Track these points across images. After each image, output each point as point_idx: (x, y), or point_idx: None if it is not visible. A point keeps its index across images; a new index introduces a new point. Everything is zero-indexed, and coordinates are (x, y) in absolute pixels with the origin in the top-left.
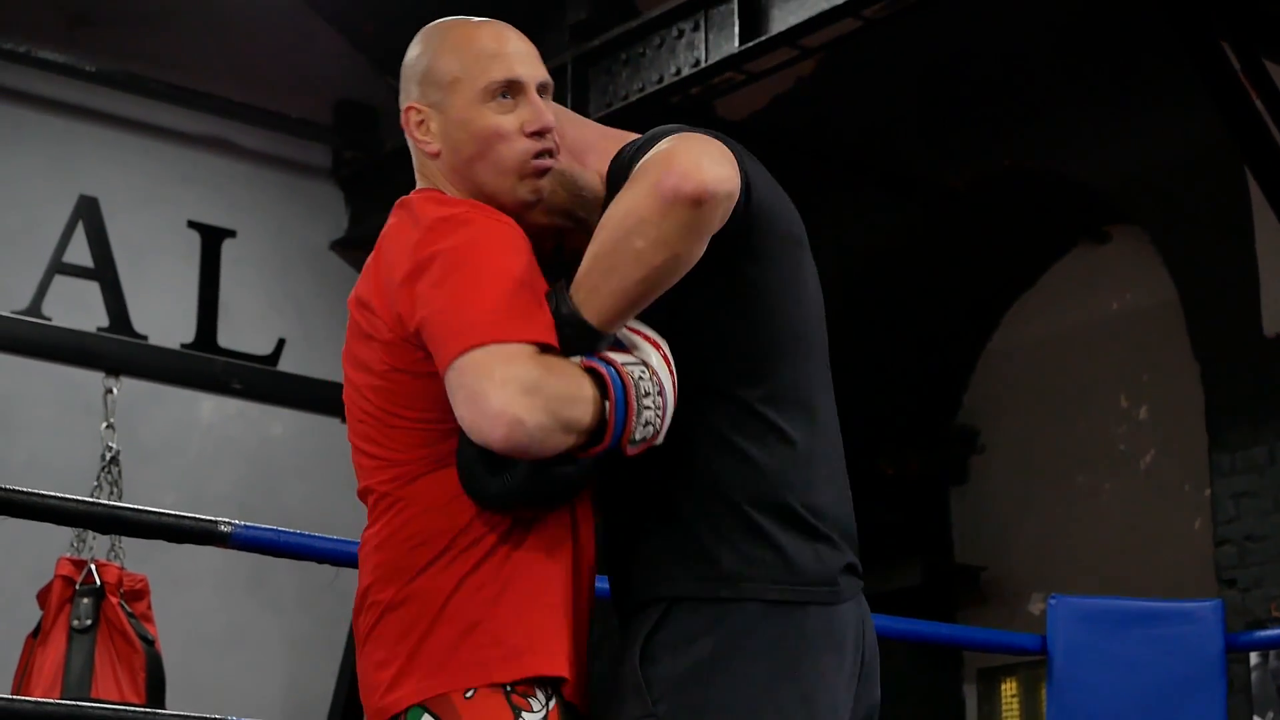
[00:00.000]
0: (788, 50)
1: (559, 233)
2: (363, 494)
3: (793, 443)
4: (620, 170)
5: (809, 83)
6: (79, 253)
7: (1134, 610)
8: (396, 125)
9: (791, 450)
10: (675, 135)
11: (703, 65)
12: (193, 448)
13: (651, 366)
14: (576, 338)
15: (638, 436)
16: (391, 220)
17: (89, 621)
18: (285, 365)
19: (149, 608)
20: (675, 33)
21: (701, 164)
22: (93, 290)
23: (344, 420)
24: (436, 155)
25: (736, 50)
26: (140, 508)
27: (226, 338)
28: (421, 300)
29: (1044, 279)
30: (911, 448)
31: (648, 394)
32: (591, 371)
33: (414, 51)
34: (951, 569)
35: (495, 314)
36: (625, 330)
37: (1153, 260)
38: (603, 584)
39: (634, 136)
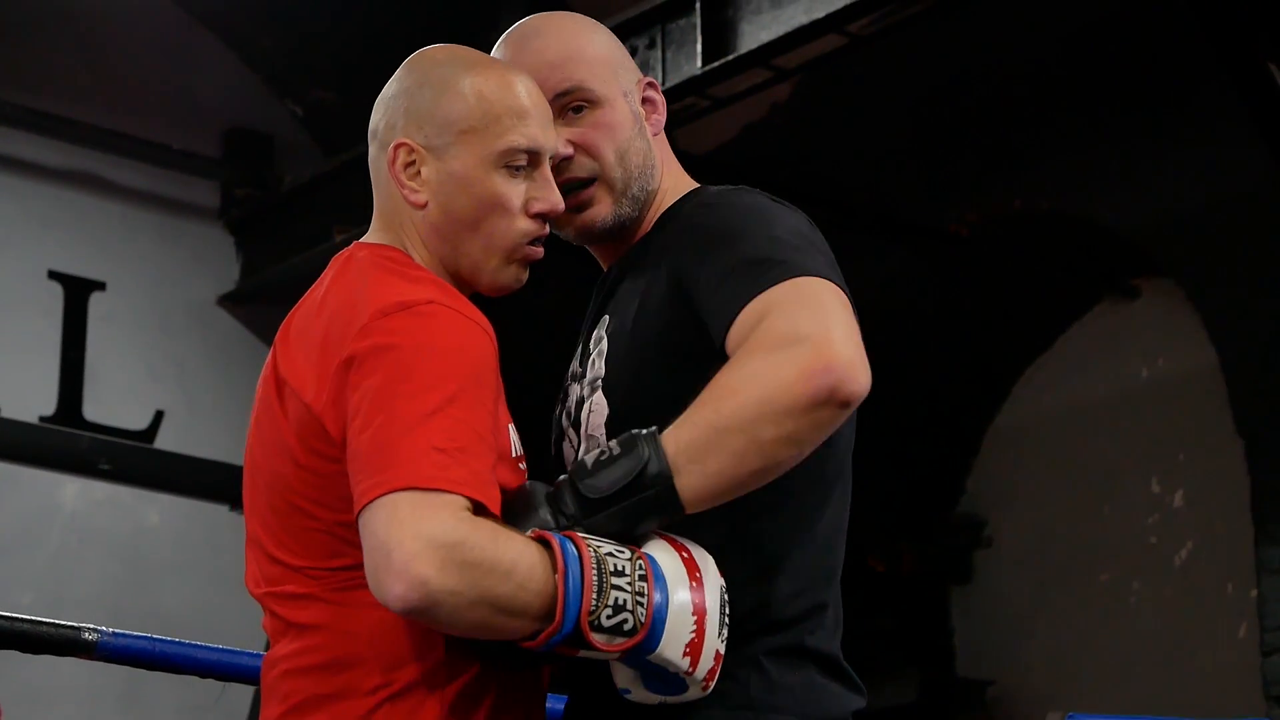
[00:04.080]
0: (760, 72)
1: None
2: (260, 601)
3: (827, 580)
4: (684, 218)
5: (785, 109)
6: None
7: None
8: (295, 158)
9: (825, 587)
10: (799, 276)
11: (661, 89)
12: (53, 539)
13: (640, 553)
14: (653, 505)
15: (605, 623)
16: (332, 277)
17: None
18: (164, 442)
19: None
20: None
21: (858, 361)
22: None
23: (233, 507)
24: (422, 207)
25: (700, 72)
26: None
27: (94, 409)
28: (353, 404)
29: (1061, 341)
30: (905, 541)
31: (619, 573)
32: (542, 543)
33: (412, 78)
34: (953, 684)
35: (432, 453)
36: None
37: (1189, 319)
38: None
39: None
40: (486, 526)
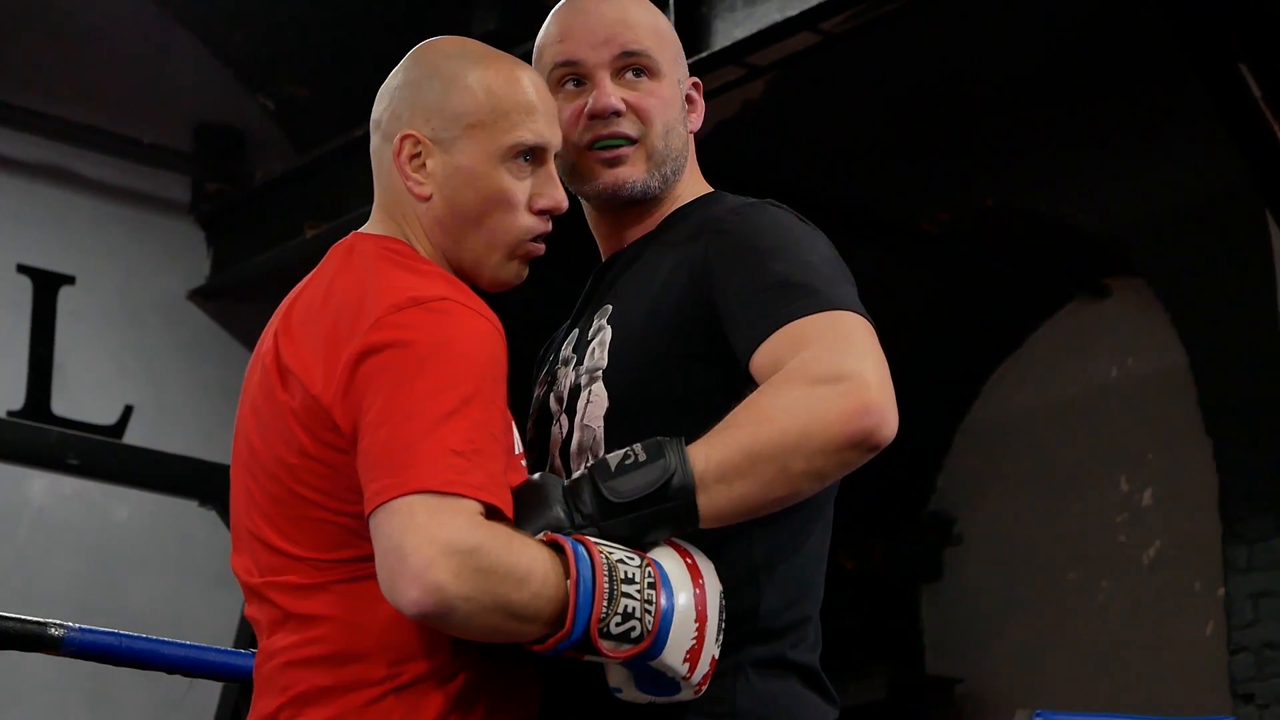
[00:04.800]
0: (733, 69)
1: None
2: (255, 590)
3: (812, 594)
4: (706, 220)
5: (758, 107)
6: None
7: None
8: (266, 153)
9: (810, 601)
10: (834, 309)
11: None
12: (20, 535)
13: (649, 559)
14: (670, 516)
15: (613, 630)
16: (336, 267)
17: None
18: (133, 438)
19: None
20: None
21: (890, 406)
22: None
23: (202, 503)
24: (426, 199)
25: None
26: None
27: (62, 404)
28: (366, 399)
29: (1032, 340)
30: (875, 538)
31: (630, 580)
32: (555, 547)
33: (419, 69)
34: (922, 681)
35: (450, 456)
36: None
37: (1159, 319)
38: None
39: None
40: (502, 532)
